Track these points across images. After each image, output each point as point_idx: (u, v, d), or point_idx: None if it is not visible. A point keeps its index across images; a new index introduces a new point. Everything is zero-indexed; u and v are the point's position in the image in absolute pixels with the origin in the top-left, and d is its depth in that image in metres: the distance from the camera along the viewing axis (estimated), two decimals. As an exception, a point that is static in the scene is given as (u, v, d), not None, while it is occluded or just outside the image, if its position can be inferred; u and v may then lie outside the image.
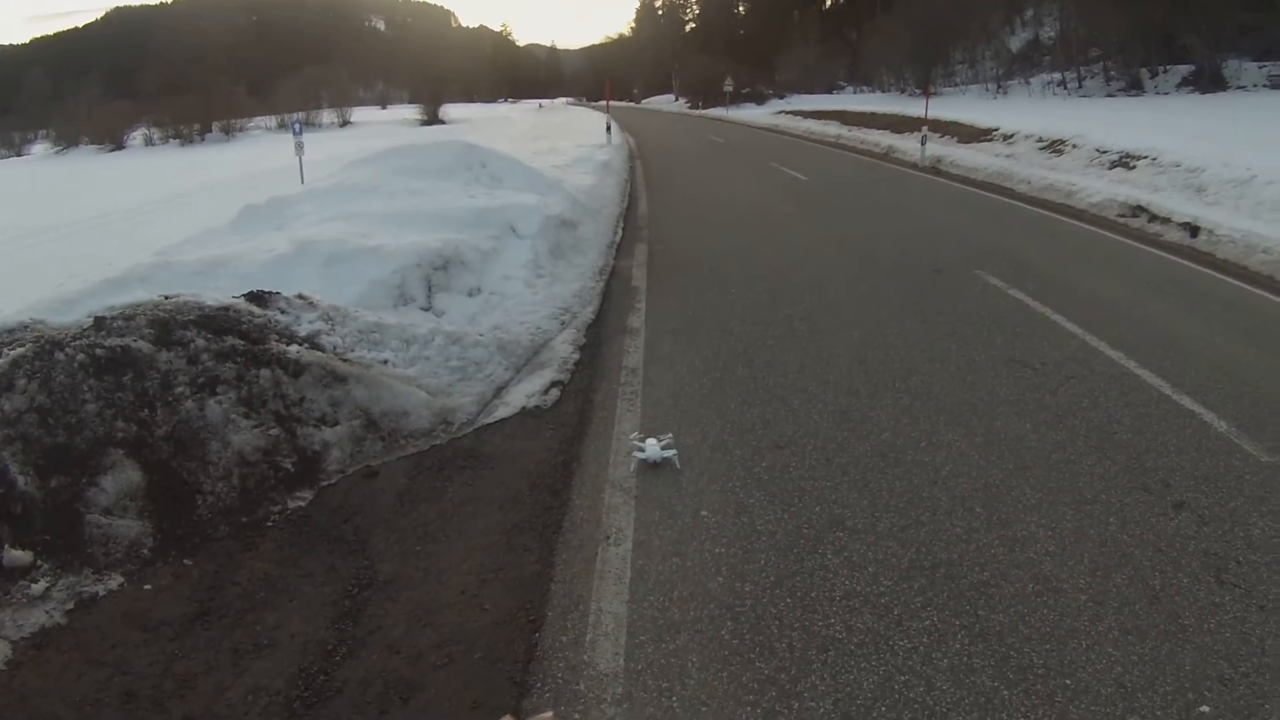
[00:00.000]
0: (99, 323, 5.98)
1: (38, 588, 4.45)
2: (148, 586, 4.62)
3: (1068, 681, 3.67)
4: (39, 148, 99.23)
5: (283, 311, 7.11)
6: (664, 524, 5.08)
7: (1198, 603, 4.19)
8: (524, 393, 7.21)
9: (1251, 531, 4.81)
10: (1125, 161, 17.17)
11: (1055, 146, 20.46)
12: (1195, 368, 7.28)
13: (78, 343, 5.67)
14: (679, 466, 5.76)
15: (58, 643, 4.15)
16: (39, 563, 4.60)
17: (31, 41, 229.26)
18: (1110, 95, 38.39)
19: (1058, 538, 4.78)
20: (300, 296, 7.43)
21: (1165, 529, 4.85)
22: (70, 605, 4.42)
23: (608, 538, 4.97)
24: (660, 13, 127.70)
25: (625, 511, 5.25)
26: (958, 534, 4.85)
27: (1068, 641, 3.92)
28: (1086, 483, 5.39)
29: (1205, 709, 3.51)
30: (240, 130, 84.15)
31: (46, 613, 4.33)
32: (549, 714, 0.52)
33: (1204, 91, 33.46)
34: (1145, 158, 16.63)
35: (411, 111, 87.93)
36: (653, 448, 5.84)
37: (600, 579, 4.58)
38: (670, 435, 6.09)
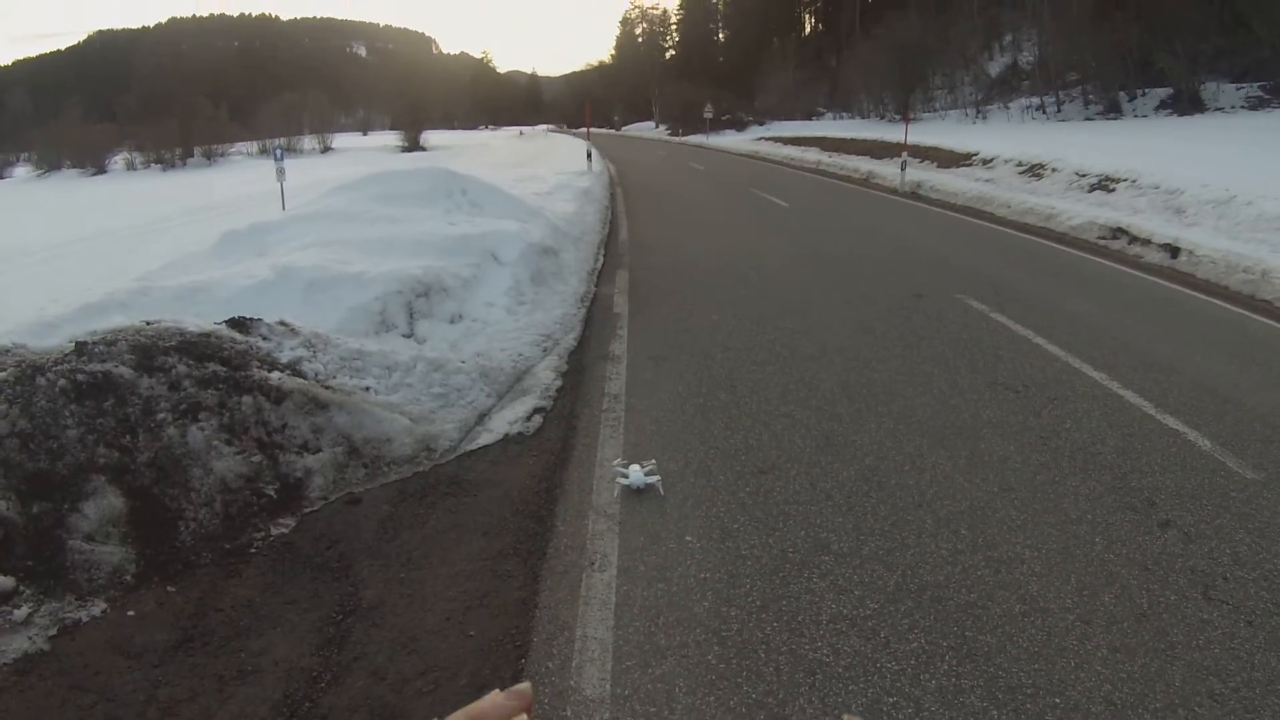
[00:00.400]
0: (80, 348, 5.94)
1: (20, 614, 4.40)
2: (131, 613, 4.58)
3: (1057, 700, 3.67)
4: (20, 170, 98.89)
5: (264, 338, 7.08)
6: (648, 549, 5.06)
7: (1186, 620, 4.20)
8: (507, 419, 7.18)
9: (1238, 548, 4.82)
10: (1105, 184, 17.31)
11: (1035, 170, 20.63)
12: (1178, 387, 7.31)
13: (59, 368, 5.63)
14: (663, 492, 5.74)
15: (41, 669, 4.11)
16: (21, 589, 4.55)
17: (14, 63, 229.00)
18: (1089, 119, 38.80)
19: (1044, 558, 4.78)
20: (282, 323, 7.40)
21: (1152, 547, 4.86)
22: (53, 631, 4.37)
23: (592, 564, 4.94)
24: (640, 40, 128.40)
25: (609, 537, 5.23)
26: (943, 556, 4.84)
27: (1056, 660, 3.92)
28: (1072, 503, 5.39)
29: (1194, 728, 3.51)
30: (222, 155, 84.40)
31: (29, 639, 4.28)
32: (526, 684, 0.52)
33: (1182, 114, 33.84)
34: (1125, 180, 16.78)
35: (393, 137, 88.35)
36: (636, 473, 5.82)
37: (585, 605, 4.55)
38: (654, 461, 6.08)
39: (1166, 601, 4.35)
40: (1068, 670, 3.85)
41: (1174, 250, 12.60)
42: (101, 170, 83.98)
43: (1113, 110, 38.75)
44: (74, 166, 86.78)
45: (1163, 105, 36.39)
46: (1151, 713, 3.59)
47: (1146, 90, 37.96)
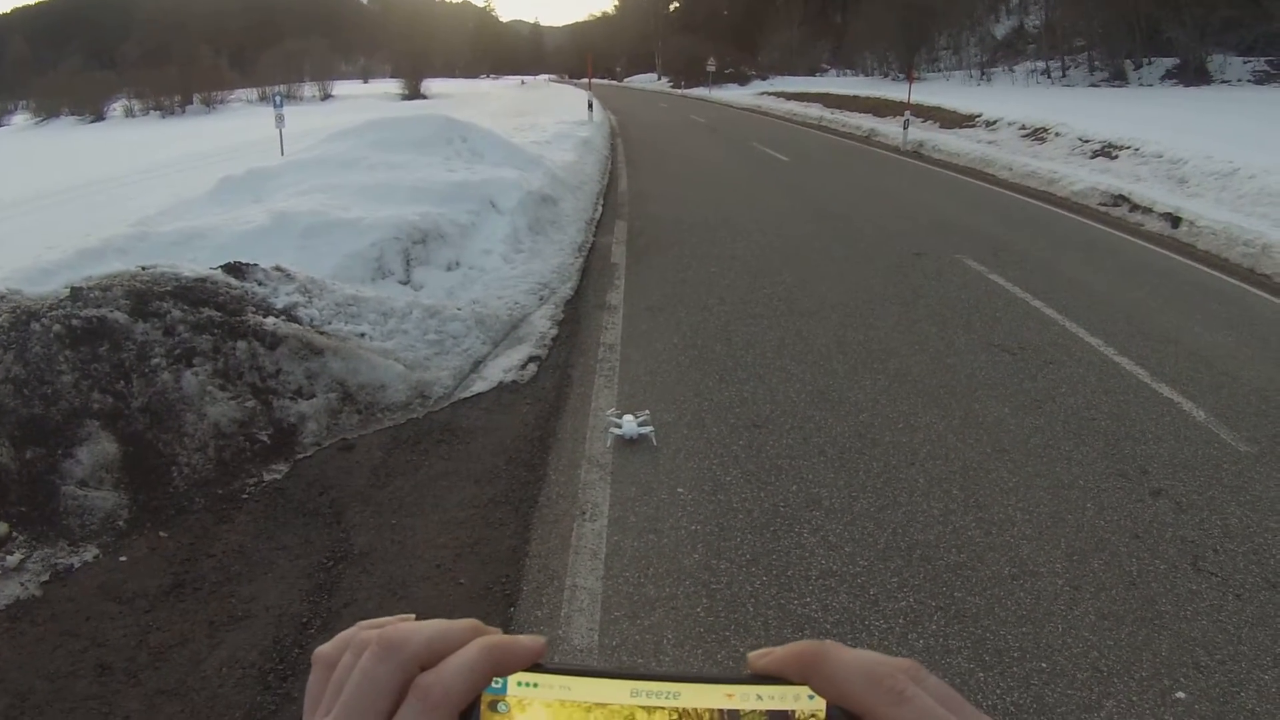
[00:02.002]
0: (75, 293, 5.92)
1: (13, 559, 4.41)
2: (123, 558, 4.59)
3: (1044, 665, 3.68)
4: (19, 118, 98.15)
5: (260, 283, 7.06)
6: (640, 500, 5.07)
7: (1175, 589, 4.21)
8: (501, 367, 7.18)
9: (1229, 520, 4.83)
10: (1107, 151, 17.19)
11: (1038, 134, 20.48)
12: (1174, 357, 7.29)
13: (54, 313, 5.61)
14: (655, 443, 5.75)
15: (33, 615, 4.12)
16: (14, 534, 4.56)
17: (12, 11, 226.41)
18: (1094, 85, 38.49)
19: (1035, 521, 4.79)
20: (278, 268, 7.37)
21: (1143, 515, 4.86)
22: (45, 577, 4.38)
23: (583, 513, 4.95)
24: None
25: (601, 487, 5.24)
26: (935, 516, 4.85)
27: (1044, 625, 3.93)
28: (1064, 468, 5.40)
29: (1181, 695, 3.53)
30: (221, 102, 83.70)
31: (21, 584, 4.29)
32: (542, 639, 0.47)
33: (1188, 85, 33.55)
34: (1128, 148, 16.66)
35: (393, 86, 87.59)
36: (629, 424, 5.83)
37: (576, 554, 4.57)
38: (647, 412, 6.08)
39: (1156, 570, 4.36)
40: (1055, 635, 3.87)
41: (1175, 220, 12.53)
42: (100, 117, 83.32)
43: (1118, 78, 38.44)
44: (73, 114, 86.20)
45: (1169, 75, 36.06)
46: (1137, 681, 3.60)
47: (1153, 59, 37.59)
